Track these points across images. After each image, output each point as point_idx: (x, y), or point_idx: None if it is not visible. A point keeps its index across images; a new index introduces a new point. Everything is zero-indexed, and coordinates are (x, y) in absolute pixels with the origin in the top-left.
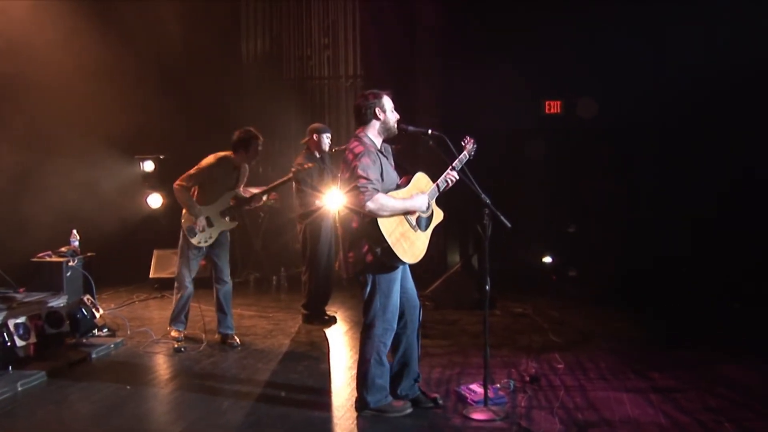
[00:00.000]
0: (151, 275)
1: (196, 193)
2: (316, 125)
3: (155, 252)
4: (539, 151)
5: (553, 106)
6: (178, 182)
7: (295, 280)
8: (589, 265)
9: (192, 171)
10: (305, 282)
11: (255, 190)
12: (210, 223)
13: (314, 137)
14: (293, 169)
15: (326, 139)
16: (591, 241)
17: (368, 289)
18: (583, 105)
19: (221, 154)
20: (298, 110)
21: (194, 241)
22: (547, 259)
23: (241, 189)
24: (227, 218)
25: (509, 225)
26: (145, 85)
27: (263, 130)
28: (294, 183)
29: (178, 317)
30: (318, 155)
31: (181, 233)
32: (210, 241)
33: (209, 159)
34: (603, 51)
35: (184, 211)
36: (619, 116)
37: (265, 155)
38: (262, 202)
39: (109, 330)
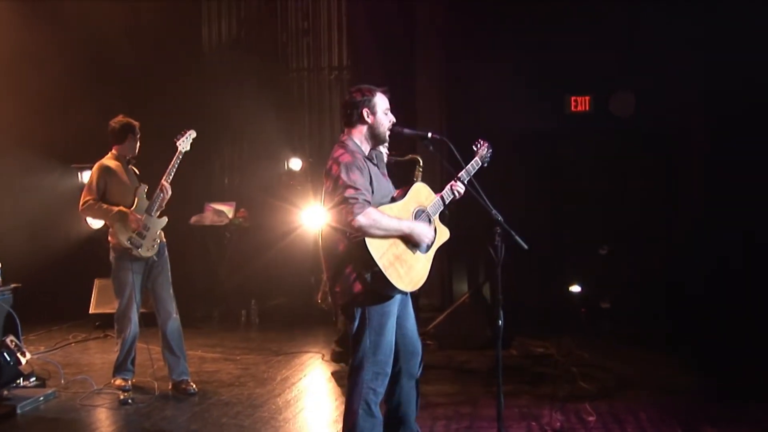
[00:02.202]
0: (91, 310)
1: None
2: None
3: (97, 282)
4: (564, 157)
5: (581, 103)
6: (81, 202)
7: (269, 315)
8: (627, 295)
9: (87, 186)
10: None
11: None
12: (145, 227)
13: None
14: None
15: (384, 150)
16: (628, 266)
17: (356, 324)
18: (617, 101)
19: (107, 156)
20: (271, 109)
21: (142, 252)
22: (575, 288)
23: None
24: (155, 214)
25: (526, 247)
26: (83, 78)
27: (228, 133)
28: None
29: (124, 364)
30: None
31: (114, 258)
32: (156, 247)
33: (97, 165)
34: (641, 36)
35: (111, 228)
36: (661, 114)
37: (232, 163)
38: (168, 190)
39: (37, 379)
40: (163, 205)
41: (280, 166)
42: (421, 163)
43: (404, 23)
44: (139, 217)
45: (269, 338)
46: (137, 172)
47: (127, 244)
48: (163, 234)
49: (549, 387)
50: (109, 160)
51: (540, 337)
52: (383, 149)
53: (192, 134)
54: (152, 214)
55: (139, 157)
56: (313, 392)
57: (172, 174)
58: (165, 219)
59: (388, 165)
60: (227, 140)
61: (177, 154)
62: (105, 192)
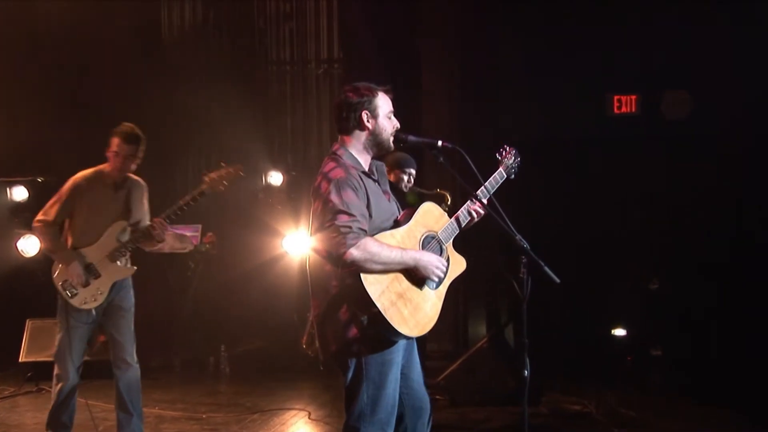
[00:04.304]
0: (21, 359)
1: (68, 233)
2: (399, 156)
3: (29, 324)
4: (604, 169)
5: (626, 104)
6: (38, 218)
7: (242, 363)
8: (682, 340)
9: (54, 199)
10: None
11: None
12: (94, 272)
13: (394, 173)
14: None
15: (405, 177)
16: (684, 303)
17: (350, 375)
18: (671, 101)
19: (91, 169)
20: (245, 110)
21: (75, 302)
22: (619, 332)
23: (145, 218)
24: (120, 261)
25: (558, 280)
26: (13, 75)
27: (192, 140)
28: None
29: (58, 420)
30: None
31: (59, 294)
32: (100, 300)
33: (74, 178)
34: (697, 25)
35: (55, 265)
36: (721, 117)
37: (197, 176)
38: (160, 232)
39: None
40: (155, 237)
41: (256, 180)
42: (450, 200)
43: (407, 8)
44: (79, 272)
45: (242, 392)
46: (134, 194)
47: (60, 288)
48: (128, 264)
49: None
50: (93, 178)
51: (575, 392)
52: (405, 176)
53: (235, 172)
54: (115, 260)
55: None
56: None
57: (175, 214)
58: (129, 269)
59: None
60: (191, 149)
61: (197, 191)
62: (75, 210)
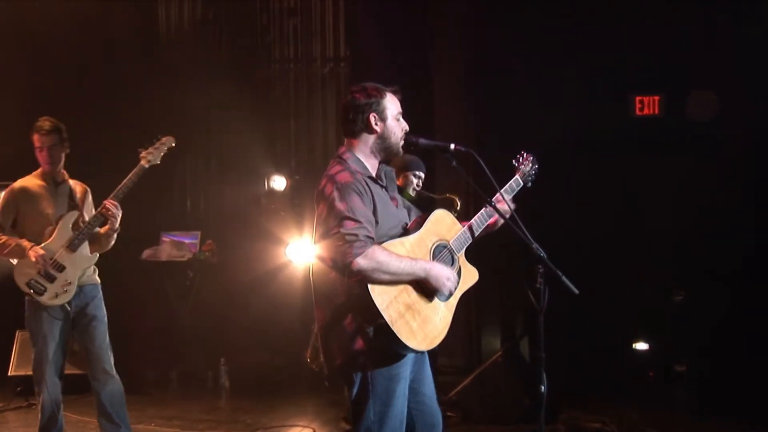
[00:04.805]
0: (11, 372)
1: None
2: (407, 158)
3: (19, 335)
4: (626, 173)
5: (649, 105)
6: None
7: (242, 377)
8: (709, 355)
9: None
10: None
11: None
12: (58, 266)
13: (402, 176)
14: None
15: (414, 180)
16: (710, 316)
17: (356, 390)
18: (697, 101)
19: (28, 176)
20: (247, 112)
21: (45, 299)
22: (641, 345)
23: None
24: (80, 249)
25: (576, 291)
26: (3, 76)
27: (191, 143)
28: None
29: None
30: None
31: (26, 301)
32: (71, 292)
33: (14, 183)
34: (726, 21)
35: (15, 265)
36: (750, 120)
37: (196, 181)
38: (113, 214)
39: None
40: (112, 234)
41: (258, 185)
42: (459, 205)
43: (417, 4)
44: (40, 252)
45: (243, 408)
46: (78, 193)
47: (26, 288)
48: (95, 272)
49: None
50: (29, 179)
51: (595, 409)
52: (414, 179)
53: (168, 143)
54: (76, 249)
55: (75, 179)
56: None
57: (123, 193)
58: (93, 256)
59: (420, 202)
60: (190, 152)
61: (138, 168)
62: (16, 220)
